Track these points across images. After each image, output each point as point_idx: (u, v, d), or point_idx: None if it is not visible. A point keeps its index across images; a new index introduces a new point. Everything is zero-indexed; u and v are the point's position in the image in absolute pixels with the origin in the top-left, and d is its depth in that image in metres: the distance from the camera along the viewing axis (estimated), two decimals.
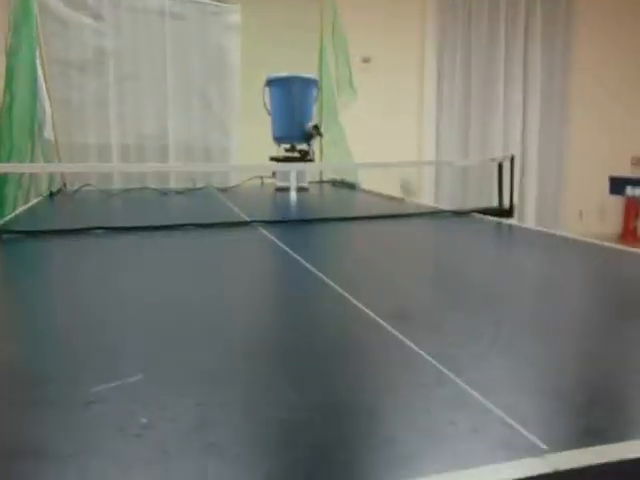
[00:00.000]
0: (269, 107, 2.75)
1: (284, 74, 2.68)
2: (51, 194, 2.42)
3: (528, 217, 6.04)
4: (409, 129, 5.53)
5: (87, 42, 2.93)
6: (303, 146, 2.74)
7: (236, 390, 0.55)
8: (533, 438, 0.45)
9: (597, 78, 6.03)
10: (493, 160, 1.87)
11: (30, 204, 2.15)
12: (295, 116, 2.69)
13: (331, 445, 0.45)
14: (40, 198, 2.32)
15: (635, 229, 6.39)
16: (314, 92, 2.78)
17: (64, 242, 1.38)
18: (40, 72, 2.53)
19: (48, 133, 2.66)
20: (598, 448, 0.43)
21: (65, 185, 2.67)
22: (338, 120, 3.16)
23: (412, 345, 0.66)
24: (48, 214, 2.00)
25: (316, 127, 2.65)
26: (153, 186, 2.85)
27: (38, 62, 2.49)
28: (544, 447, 0.44)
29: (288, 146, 2.75)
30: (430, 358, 0.62)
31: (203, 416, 0.49)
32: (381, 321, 0.75)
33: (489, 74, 5.67)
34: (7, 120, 2.10)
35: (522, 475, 0.41)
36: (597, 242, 1.33)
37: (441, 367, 0.60)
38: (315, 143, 2.80)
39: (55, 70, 2.78)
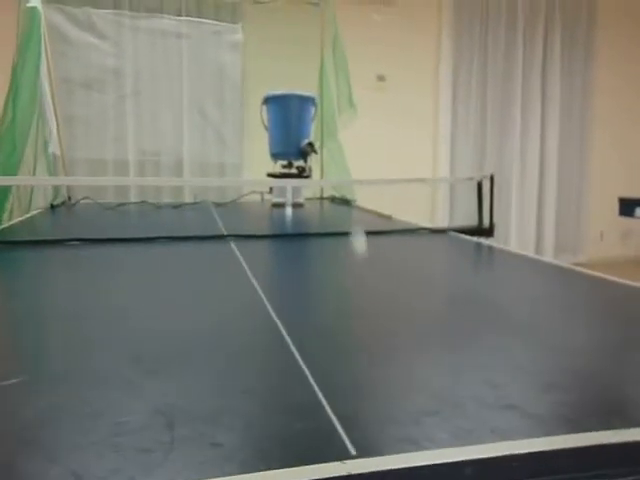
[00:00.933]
0: (267, 124, 2.80)
1: (281, 92, 2.73)
2: (52, 206, 2.50)
3: (546, 238, 5.95)
4: (424, 148, 5.53)
5: (94, 61, 3.06)
6: (300, 163, 2.78)
7: (97, 395, 0.57)
8: (349, 445, 0.47)
9: (617, 99, 5.93)
10: (471, 179, 1.87)
11: (27, 215, 2.23)
12: (292, 133, 2.74)
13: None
14: (40, 210, 2.41)
15: None
16: (311, 110, 2.82)
17: (40, 252, 1.43)
18: (47, 90, 2.64)
19: (54, 148, 2.77)
20: (402, 455, 0.44)
21: (69, 198, 2.76)
22: (337, 138, 3.19)
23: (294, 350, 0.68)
24: (40, 225, 2.08)
25: (311, 144, 2.68)
26: (166, 200, 2.95)
27: (45, 80, 2.60)
28: (353, 453, 0.45)
29: (285, 162, 2.80)
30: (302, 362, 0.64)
31: (49, 417, 0.52)
32: (285, 335, 0.77)
33: (506, 93, 5.64)
34: (9, 134, 2.20)
35: (317, 477, 0.42)
36: (564, 265, 1.32)
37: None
38: (312, 160, 2.83)
39: (63, 88, 2.90)
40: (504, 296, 1.02)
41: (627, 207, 3.41)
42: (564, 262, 1.41)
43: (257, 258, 1.39)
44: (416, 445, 0.46)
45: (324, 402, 0.55)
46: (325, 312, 0.92)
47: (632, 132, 6.02)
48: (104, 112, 3.37)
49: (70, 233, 1.67)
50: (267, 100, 2.75)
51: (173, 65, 3.18)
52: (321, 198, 3.25)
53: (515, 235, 5.80)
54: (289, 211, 2.59)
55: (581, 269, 1.20)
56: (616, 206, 5.81)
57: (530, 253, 1.43)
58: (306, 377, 0.61)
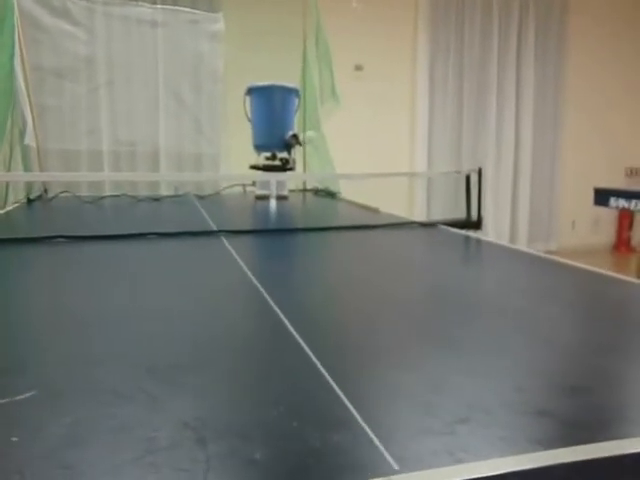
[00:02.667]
0: (250, 115, 2.77)
1: (264, 83, 2.70)
2: (29, 200, 2.43)
3: (520, 227, 6.05)
4: (402, 136, 5.55)
5: (70, 49, 2.96)
6: (284, 154, 2.75)
7: (118, 407, 0.55)
8: (389, 459, 0.46)
9: (591, 88, 6.04)
10: (459, 172, 1.87)
11: (4, 211, 2.16)
12: (275, 125, 2.71)
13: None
14: (17, 205, 2.34)
15: (628, 239, 6.39)
16: (295, 101, 2.80)
17: (23, 251, 1.39)
18: (21, 79, 2.55)
19: (30, 139, 2.68)
20: (443, 469, 0.44)
21: (46, 191, 2.69)
22: (320, 129, 3.17)
23: (304, 345, 0.67)
24: (20, 221, 2.02)
25: (295, 136, 2.66)
26: (144, 193, 2.89)
27: (19, 70, 2.51)
28: (396, 468, 0.45)
29: (269, 154, 2.77)
30: (325, 372, 0.63)
31: (75, 435, 0.50)
32: (298, 336, 0.76)
33: (482, 81, 5.69)
34: None
35: None
36: (551, 258, 1.34)
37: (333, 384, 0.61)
38: (296, 152, 2.81)
39: (37, 77, 2.81)
40: (507, 292, 1.03)
41: (602, 197, 3.47)
42: (537, 250, 1.44)
43: (252, 255, 1.38)
44: (456, 458, 0.46)
45: (357, 416, 0.54)
46: (337, 312, 0.91)
47: (606, 121, 6.14)
48: (79, 102, 3.28)
49: (54, 229, 1.63)
50: (250, 91, 2.71)
51: (151, 54, 3.11)
52: (304, 190, 3.23)
53: (490, 224, 5.88)
54: (274, 204, 2.57)
55: (586, 267, 1.21)
56: (587, 195, 5.93)
57: (524, 247, 1.44)
58: (327, 381, 0.61)
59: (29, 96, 2.58)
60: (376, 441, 0.49)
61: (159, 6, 3.03)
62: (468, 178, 1.84)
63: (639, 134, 6.34)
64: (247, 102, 2.76)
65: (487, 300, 0.97)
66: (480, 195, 1.84)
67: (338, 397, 0.58)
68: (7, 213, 2.14)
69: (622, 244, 6.36)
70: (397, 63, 5.41)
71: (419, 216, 4.98)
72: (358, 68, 5.23)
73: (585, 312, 0.91)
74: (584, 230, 6.33)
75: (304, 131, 3.13)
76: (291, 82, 2.88)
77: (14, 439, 0.49)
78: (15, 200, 2.40)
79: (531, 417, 0.53)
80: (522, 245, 5.73)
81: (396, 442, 0.49)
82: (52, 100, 3.18)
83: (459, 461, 0.45)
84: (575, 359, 0.69)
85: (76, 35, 2.98)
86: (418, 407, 0.55)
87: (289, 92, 2.75)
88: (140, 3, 2.97)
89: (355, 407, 0.55)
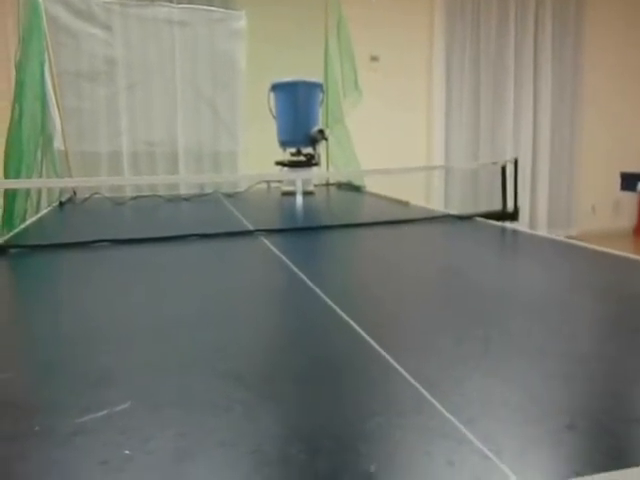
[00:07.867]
0: (274, 112, 2.77)
1: (288, 79, 2.69)
2: (61, 203, 2.46)
3: (540, 213, 6.01)
4: (418, 128, 5.52)
5: (96, 52, 2.98)
6: (309, 150, 2.75)
7: (217, 422, 0.56)
8: (506, 469, 0.46)
9: (607, 74, 5.97)
10: (495, 163, 1.86)
11: (40, 215, 2.19)
12: (300, 121, 2.71)
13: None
14: (50, 208, 2.36)
15: None
16: (319, 96, 2.79)
17: (69, 255, 1.40)
18: (49, 83, 2.57)
19: (58, 143, 2.71)
20: None
21: (75, 193, 2.72)
22: (344, 122, 3.16)
23: (390, 358, 0.67)
24: (57, 225, 2.04)
25: (321, 131, 2.66)
26: (162, 192, 2.91)
27: (47, 74, 2.53)
28: (514, 478, 0.45)
29: (294, 150, 2.77)
30: (413, 380, 0.63)
31: (182, 447, 0.50)
32: (358, 328, 0.76)
33: (499, 72, 5.64)
34: (17, 133, 2.14)
35: None
36: (597, 248, 1.32)
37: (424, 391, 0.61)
38: (321, 146, 2.81)
39: (64, 80, 2.83)
40: (579, 291, 1.02)
41: (629, 182, 3.43)
42: (557, 236, 1.43)
43: (298, 255, 1.37)
44: (578, 468, 0.46)
45: (457, 424, 0.54)
46: (413, 321, 0.91)
47: (622, 106, 6.08)
48: (100, 104, 3.30)
49: (93, 233, 1.64)
50: (275, 87, 2.71)
51: (174, 54, 3.11)
52: (327, 184, 3.23)
53: None
54: (301, 200, 2.58)
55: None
56: (606, 179, 5.88)
57: (544, 232, 1.43)
58: (417, 390, 0.61)
59: (57, 100, 2.60)
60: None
61: (182, 6, 3.04)
62: (504, 169, 1.82)
63: None
64: (271, 98, 2.76)
65: (561, 299, 0.97)
66: (516, 186, 1.82)
67: (433, 405, 0.58)
68: (42, 217, 2.16)
69: None
70: (413, 54, 5.37)
71: (437, 205, 4.95)
72: (374, 59, 5.20)
73: None
74: (604, 214, 6.27)
75: (328, 126, 3.13)
76: (314, 76, 2.87)
77: (127, 452, 0.50)
78: (48, 203, 2.43)
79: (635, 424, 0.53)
80: (542, 231, 5.69)
81: (508, 453, 0.49)
82: (73, 102, 3.20)
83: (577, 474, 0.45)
84: None
85: (99, 37, 2.99)
86: (518, 415, 0.55)
87: (313, 87, 2.74)
88: (163, 3, 2.97)
89: (457, 419, 0.56)
